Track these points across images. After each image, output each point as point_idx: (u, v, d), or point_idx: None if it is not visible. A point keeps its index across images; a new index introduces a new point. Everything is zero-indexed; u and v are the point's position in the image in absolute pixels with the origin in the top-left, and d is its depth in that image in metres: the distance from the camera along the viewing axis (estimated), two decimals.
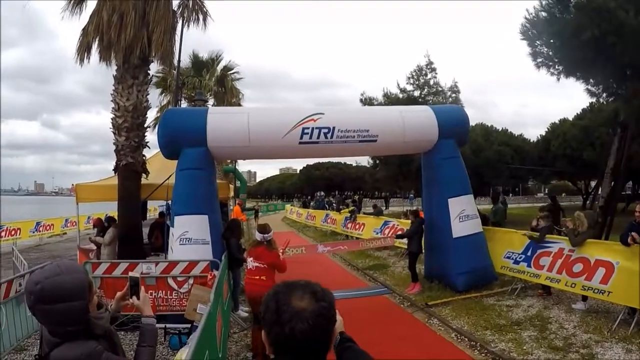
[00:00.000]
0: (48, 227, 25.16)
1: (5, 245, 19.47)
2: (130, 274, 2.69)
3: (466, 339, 7.45)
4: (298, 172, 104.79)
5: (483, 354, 6.84)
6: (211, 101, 24.15)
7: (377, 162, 35.47)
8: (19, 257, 10.11)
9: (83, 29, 9.73)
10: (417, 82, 31.61)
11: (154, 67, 11.49)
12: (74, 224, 24.21)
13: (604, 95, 21.63)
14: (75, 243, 13.17)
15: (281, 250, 7.22)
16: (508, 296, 9.64)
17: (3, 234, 21.23)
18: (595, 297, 8.11)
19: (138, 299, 2.61)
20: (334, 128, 9.41)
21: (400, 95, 31.14)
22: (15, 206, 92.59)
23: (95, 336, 2.28)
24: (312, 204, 36.19)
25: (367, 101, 31.85)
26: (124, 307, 2.72)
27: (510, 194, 71.95)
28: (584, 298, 8.51)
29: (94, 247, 11.35)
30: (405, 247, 12.87)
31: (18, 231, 22.37)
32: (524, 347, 6.82)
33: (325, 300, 1.53)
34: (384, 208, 38.31)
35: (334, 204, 30.77)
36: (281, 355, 1.51)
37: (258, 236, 7.03)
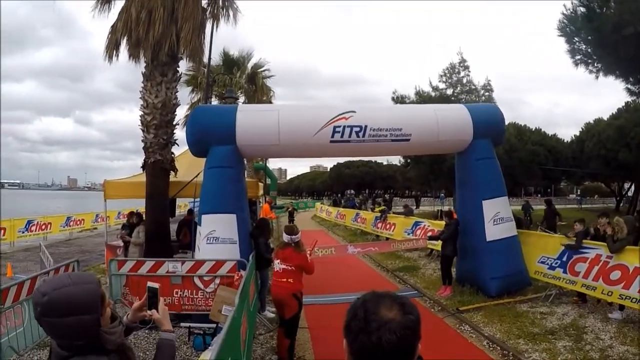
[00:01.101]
0: (79, 222, 25.55)
1: (35, 240, 19.85)
2: (149, 284, 2.50)
3: (498, 348, 7.22)
4: (328, 170, 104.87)
5: None
6: (242, 99, 24.17)
7: (409, 161, 35.20)
8: (45, 253, 10.18)
9: (112, 26, 9.70)
10: (449, 80, 31.25)
11: (185, 65, 11.47)
12: (107, 218, 24.59)
13: None
14: (104, 238, 13.25)
15: (309, 251, 7.08)
16: (542, 303, 9.35)
17: (34, 228, 21.60)
18: (634, 307, 7.77)
19: (157, 310, 2.44)
20: (366, 126, 9.23)
21: (433, 94, 30.83)
22: (48, 201, 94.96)
23: (107, 351, 2.13)
24: (342, 202, 36.07)
25: (399, 99, 31.60)
26: (140, 318, 2.54)
27: (539, 195, 70.76)
28: (621, 307, 8.19)
29: (122, 244, 11.38)
30: (436, 247, 12.64)
31: (49, 225, 22.75)
32: (558, 359, 6.57)
33: (413, 313, 1.48)
34: (415, 207, 37.97)
35: (365, 204, 30.64)
36: None
37: (285, 237, 6.90)
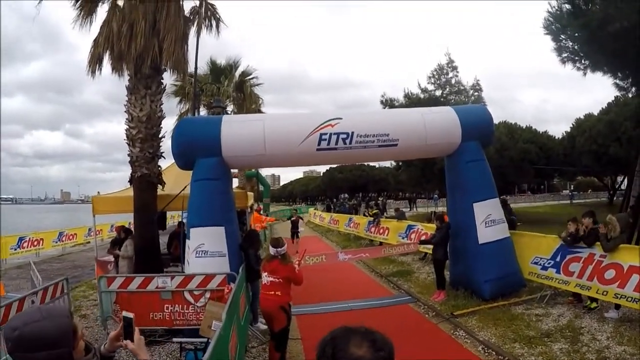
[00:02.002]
0: (71, 237, 25.35)
1: (28, 257, 19.65)
2: (124, 313, 2.47)
3: (494, 353, 7.15)
4: (321, 175, 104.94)
5: None
6: (230, 108, 24.16)
7: (400, 164, 35.19)
8: (35, 271, 10.07)
9: (94, 40, 9.61)
10: (438, 82, 31.37)
11: (170, 77, 11.38)
12: (99, 232, 24.39)
13: (633, 89, 21.06)
14: (95, 253, 13.14)
15: (297, 261, 7.02)
16: (537, 304, 9.29)
17: (25, 244, 21.38)
18: (630, 307, 7.70)
19: (132, 341, 2.38)
20: (352, 133, 9.18)
21: (422, 96, 30.92)
22: (41, 215, 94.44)
23: None
24: (336, 207, 36.04)
25: (388, 102, 31.63)
26: (117, 347, 2.51)
27: (528, 192, 70.99)
28: (617, 306, 8.10)
29: (112, 259, 11.28)
30: (430, 251, 12.57)
31: (41, 241, 22.52)
32: None
33: (384, 349, 1.46)
34: (409, 210, 37.94)
35: (357, 208, 30.46)
36: None
37: (271, 250, 6.85)
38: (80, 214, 66.92)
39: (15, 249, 20.60)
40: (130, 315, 2.45)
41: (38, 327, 1.96)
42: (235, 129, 9.12)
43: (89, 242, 26.20)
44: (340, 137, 9.12)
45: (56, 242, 23.94)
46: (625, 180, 31.97)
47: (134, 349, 2.38)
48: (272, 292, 6.60)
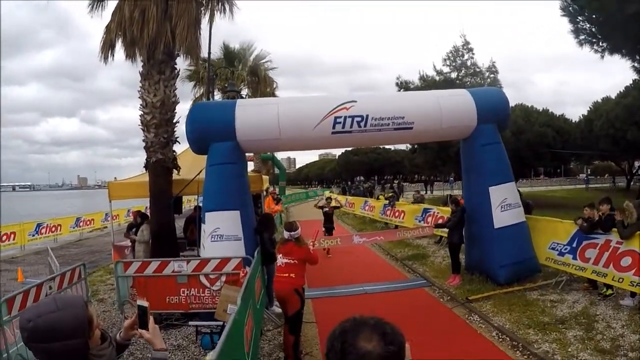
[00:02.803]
0: (88, 222, 25.66)
1: (46, 242, 19.93)
2: (139, 302, 2.42)
3: (508, 339, 7.12)
4: (337, 157, 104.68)
5: (525, 356, 6.52)
6: (245, 91, 24.16)
7: (416, 147, 35.00)
8: (52, 257, 10.21)
9: (106, 27, 9.61)
10: (453, 64, 31.03)
11: (183, 62, 11.37)
12: (115, 217, 24.63)
13: None
14: (112, 238, 13.28)
15: (311, 243, 7.07)
16: (552, 290, 9.20)
17: (43, 230, 21.67)
18: None
19: (147, 329, 2.35)
20: (367, 116, 9.11)
21: (437, 78, 30.65)
22: (58, 201, 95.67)
23: None
24: (352, 190, 35.99)
25: (403, 85, 31.42)
26: (132, 336, 2.49)
27: (542, 176, 70.25)
28: (632, 294, 7.98)
29: (129, 244, 11.39)
30: (445, 235, 12.54)
31: (59, 227, 22.81)
32: (569, 349, 6.44)
33: (394, 343, 1.43)
34: (425, 193, 37.81)
35: (372, 191, 30.32)
36: None
37: (285, 234, 6.90)
38: (97, 199, 67.69)
39: (34, 235, 20.92)
40: (145, 303, 2.41)
41: (52, 319, 1.95)
42: (250, 113, 9.10)
43: (105, 227, 26.48)
44: (355, 120, 9.07)
45: (73, 228, 24.26)
46: None
47: (149, 338, 2.35)
48: (287, 275, 6.62)
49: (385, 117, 9.20)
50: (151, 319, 2.38)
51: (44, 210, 44.68)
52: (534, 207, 12.11)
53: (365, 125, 9.12)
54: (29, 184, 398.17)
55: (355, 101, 9.21)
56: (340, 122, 9.03)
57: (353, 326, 1.45)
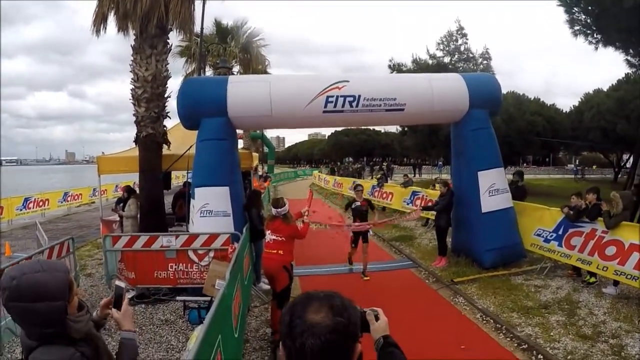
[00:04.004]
0: (76, 197, 25.54)
1: (34, 217, 19.80)
2: (117, 282, 2.49)
3: (492, 321, 7.23)
4: (327, 137, 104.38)
5: (508, 339, 6.62)
6: (236, 68, 24.04)
7: (406, 129, 35.05)
8: (40, 231, 10.17)
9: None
10: (447, 48, 31.02)
11: (176, 37, 11.26)
12: (104, 192, 24.51)
13: None
14: (100, 213, 13.23)
15: (306, 209, 7.16)
16: (537, 275, 9.33)
17: (31, 205, 21.50)
18: (629, 284, 7.70)
19: (120, 310, 2.42)
20: (359, 96, 9.11)
21: (430, 62, 30.63)
22: (46, 176, 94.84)
23: (74, 341, 2.11)
24: (340, 172, 36.06)
25: (396, 67, 31.39)
26: (107, 315, 2.52)
27: (526, 163, 70.61)
28: (615, 282, 8.11)
29: (117, 219, 11.37)
30: (432, 218, 12.65)
31: (46, 202, 22.68)
32: (551, 334, 6.55)
33: (343, 315, 1.40)
34: (413, 175, 38.00)
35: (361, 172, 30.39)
36: None
37: (273, 211, 6.93)
38: (85, 174, 67.22)
39: (21, 210, 20.78)
40: (123, 284, 2.47)
41: (36, 278, 1.97)
42: (242, 90, 9.05)
43: (93, 202, 26.40)
44: (347, 100, 9.06)
45: (61, 202, 24.16)
46: (631, 158, 31.71)
47: (118, 318, 2.40)
48: (275, 251, 6.66)
49: (377, 97, 9.20)
50: (125, 301, 2.43)
51: (30, 187, 44.27)
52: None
53: (357, 106, 9.12)
54: (15, 158, 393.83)
55: (348, 81, 9.18)
56: (332, 102, 9.02)
57: (303, 299, 1.45)
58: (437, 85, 9.69)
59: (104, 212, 12.78)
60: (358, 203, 10.07)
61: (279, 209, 6.84)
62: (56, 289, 2.00)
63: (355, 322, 1.45)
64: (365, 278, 9.71)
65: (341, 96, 9.04)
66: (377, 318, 1.94)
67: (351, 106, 9.10)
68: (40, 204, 22.20)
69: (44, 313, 1.97)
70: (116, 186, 26.78)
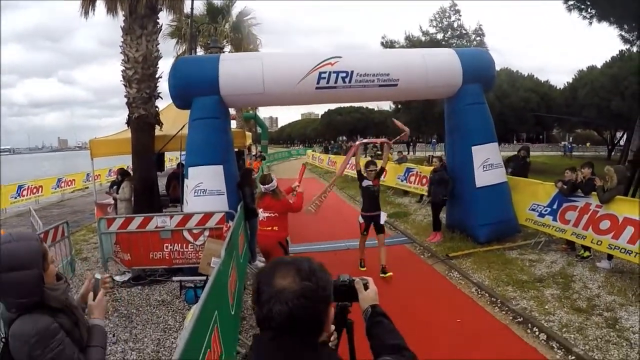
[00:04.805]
0: (70, 183, 25.31)
1: (28, 205, 19.66)
2: (96, 275, 2.62)
3: (487, 295, 7.28)
4: (320, 117, 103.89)
5: (503, 312, 6.67)
6: (228, 48, 23.88)
7: (399, 106, 34.99)
8: (35, 217, 10.13)
9: None
10: (440, 25, 30.84)
11: (166, 17, 11.10)
12: (97, 177, 24.37)
13: (638, 42, 20.68)
14: (94, 197, 13.18)
15: (297, 185, 7.24)
16: (531, 250, 9.37)
17: (25, 192, 21.28)
18: (623, 258, 7.72)
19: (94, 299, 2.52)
20: (352, 72, 9.05)
21: (423, 39, 30.47)
22: (39, 163, 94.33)
23: (53, 310, 2.15)
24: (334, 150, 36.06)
25: (388, 44, 31.29)
26: (86, 302, 2.58)
27: (521, 140, 70.49)
28: (609, 257, 8.14)
29: (112, 202, 11.33)
30: (426, 194, 12.69)
31: (40, 189, 22.44)
32: (546, 307, 6.59)
33: (311, 280, 1.38)
34: (407, 153, 38.08)
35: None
36: (265, 332, 1.38)
37: (262, 188, 6.94)
38: (78, 160, 66.88)
39: (15, 198, 20.55)
40: (99, 276, 2.61)
41: (8, 248, 2.00)
42: (234, 68, 8.98)
43: (87, 188, 26.25)
44: (340, 75, 9.00)
45: (55, 189, 23.91)
46: (625, 135, 31.76)
47: (91, 305, 2.47)
48: (270, 228, 6.68)
49: (370, 73, 9.15)
50: (101, 292, 2.53)
51: (23, 175, 43.97)
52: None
53: (350, 81, 9.07)
54: (8, 147, 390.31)
55: (341, 57, 9.11)
56: (324, 78, 8.96)
57: (271, 266, 1.44)
58: (430, 60, 9.64)
59: (98, 197, 12.73)
60: (369, 182, 8.50)
61: (267, 185, 6.85)
62: (29, 258, 2.03)
63: (325, 285, 1.42)
64: (388, 274, 8.16)
65: (334, 72, 8.98)
66: (366, 287, 1.93)
67: (344, 82, 9.05)
68: (34, 191, 21.97)
69: (19, 282, 1.99)
70: (110, 170, 26.63)
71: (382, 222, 8.56)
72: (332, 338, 1.93)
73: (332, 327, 1.94)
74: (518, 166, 11.59)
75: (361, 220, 8.62)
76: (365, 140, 9.03)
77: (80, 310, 2.44)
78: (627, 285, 7.25)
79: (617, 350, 5.30)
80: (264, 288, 1.37)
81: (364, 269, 8.57)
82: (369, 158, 20.93)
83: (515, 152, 13.42)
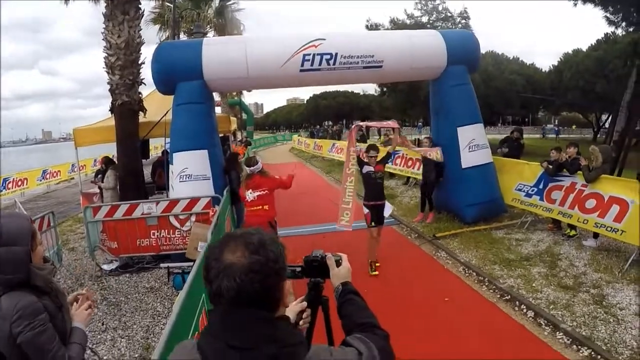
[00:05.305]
0: (55, 174, 25.00)
1: (13, 197, 19.44)
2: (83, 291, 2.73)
3: (474, 274, 7.34)
4: (305, 102, 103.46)
5: (491, 290, 6.73)
6: (211, 34, 23.65)
7: (385, 89, 34.96)
8: (20, 209, 10.02)
9: None
10: (425, 8, 30.78)
11: (149, 3, 10.98)
12: (82, 167, 24.13)
13: (623, 24, 20.78)
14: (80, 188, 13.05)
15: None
16: (517, 229, 9.46)
17: (10, 185, 20.97)
18: (609, 236, 7.78)
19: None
20: (336, 54, 9.00)
21: (408, 21, 30.42)
22: (23, 156, 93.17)
23: (38, 290, 2.16)
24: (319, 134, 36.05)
25: (373, 27, 31.21)
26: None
27: (506, 123, 70.79)
28: (595, 235, 8.22)
29: (97, 191, 11.23)
30: (414, 176, 12.70)
31: (25, 181, 22.15)
32: (533, 285, 6.66)
33: (260, 253, 1.34)
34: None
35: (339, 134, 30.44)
36: (216, 308, 1.37)
37: (247, 170, 6.93)
38: (63, 152, 66.18)
39: (0, 191, 20.33)
40: (83, 292, 2.69)
41: None
42: (217, 52, 8.90)
43: (72, 179, 25.99)
44: (324, 57, 8.94)
45: (40, 181, 23.58)
46: (610, 118, 32.07)
47: (73, 313, 2.51)
48: (260, 207, 6.66)
49: (354, 55, 9.10)
50: (86, 304, 2.60)
51: (12, 165, 43.42)
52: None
53: (334, 63, 9.01)
54: None
55: (324, 39, 9.05)
56: (308, 60, 8.90)
57: (221, 240, 1.40)
58: (415, 41, 9.61)
59: (83, 187, 12.62)
60: (371, 168, 7.66)
61: (253, 167, 6.84)
62: (19, 234, 2.05)
63: (276, 258, 1.37)
64: (374, 273, 7.48)
65: (318, 54, 8.92)
66: (339, 264, 1.89)
67: (328, 64, 8.99)
68: (19, 183, 21.67)
69: (7, 258, 2.00)
70: (95, 160, 26.38)
71: (386, 214, 7.78)
72: (304, 315, 1.91)
73: (304, 304, 1.93)
74: (512, 147, 11.63)
75: (366, 210, 7.71)
76: (361, 123, 8.44)
77: (66, 296, 2.46)
78: (613, 262, 7.33)
79: (605, 326, 5.37)
80: (212, 264, 1.33)
81: (376, 273, 7.48)
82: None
83: (507, 135, 13.46)
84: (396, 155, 16.24)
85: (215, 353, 1.29)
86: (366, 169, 7.66)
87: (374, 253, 7.64)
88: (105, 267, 8.28)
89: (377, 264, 7.63)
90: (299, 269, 1.93)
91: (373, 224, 7.61)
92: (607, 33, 29.10)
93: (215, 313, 1.35)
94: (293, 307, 1.91)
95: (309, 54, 8.89)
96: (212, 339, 1.32)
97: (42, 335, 2.13)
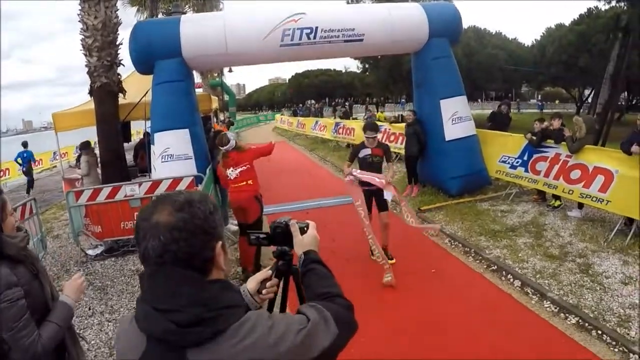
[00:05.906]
0: (37, 163, 24.62)
1: None
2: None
3: (460, 245, 7.38)
4: (287, 81, 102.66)
5: (477, 261, 6.77)
6: (190, 13, 23.24)
7: (367, 66, 34.72)
8: None
9: None
10: None
11: None
12: (64, 155, 23.78)
13: None
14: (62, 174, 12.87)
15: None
16: (502, 201, 9.51)
17: None
18: (594, 206, 7.81)
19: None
20: (316, 28, 8.91)
21: None
22: (4, 148, 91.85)
23: (11, 261, 2.12)
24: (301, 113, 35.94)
25: (354, 1, 30.89)
26: None
27: (489, 99, 71.03)
28: (580, 205, 8.29)
29: (79, 176, 11.06)
30: (398, 151, 12.68)
31: (7, 171, 21.92)
32: (519, 255, 6.70)
33: (185, 210, 1.28)
34: (377, 113, 38.38)
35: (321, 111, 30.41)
36: (145, 269, 1.32)
37: (222, 150, 6.74)
38: (45, 141, 65.27)
39: None
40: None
41: None
42: (195, 28, 8.75)
43: (55, 167, 25.68)
44: (304, 32, 8.86)
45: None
46: (593, 92, 32.32)
47: (64, 283, 2.54)
48: (244, 183, 6.54)
49: (335, 29, 9.01)
50: (78, 273, 2.65)
51: None
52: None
53: (314, 38, 8.93)
54: None
55: (304, 13, 8.96)
56: (288, 35, 8.81)
57: (151, 202, 1.35)
58: (396, 14, 9.52)
59: (65, 172, 12.44)
60: (368, 151, 6.89)
61: (227, 146, 6.64)
62: None
63: (204, 217, 1.31)
64: (391, 261, 6.62)
65: (298, 29, 8.83)
66: (303, 231, 1.80)
67: (309, 38, 8.91)
68: (1, 174, 21.41)
69: None
70: (76, 147, 26.04)
71: (387, 198, 6.68)
72: (268, 285, 1.83)
73: (269, 272, 1.87)
74: (501, 119, 11.67)
75: (359, 208, 6.69)
76: (358, 175, 6.29)
77: (42, 264, 2.41)
78: (598, 232, 7.40)
79: (591, 294, 5.43)
80: (141, 224, 1.28)
81: (393, 261, 6.78)
82: (337, 120, 20.87)
83: (493, 110, 13.49)
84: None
85: (144, 318, 1.26)
86: (363, 152, 6.93)
87: (386, 238, 7.03)
88: (90, 252, 8.19)
89: (393, 260, 6.84)
90: (263, 236, 1.87)
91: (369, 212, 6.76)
92: (589, 7, 29.22)
93: (143, 274, 1.31)
94: (257, 276, 1.85)
95: (289, 29, 8.80)
96: (141, 303, 1.28)
97: (9, 310, 2.07)
